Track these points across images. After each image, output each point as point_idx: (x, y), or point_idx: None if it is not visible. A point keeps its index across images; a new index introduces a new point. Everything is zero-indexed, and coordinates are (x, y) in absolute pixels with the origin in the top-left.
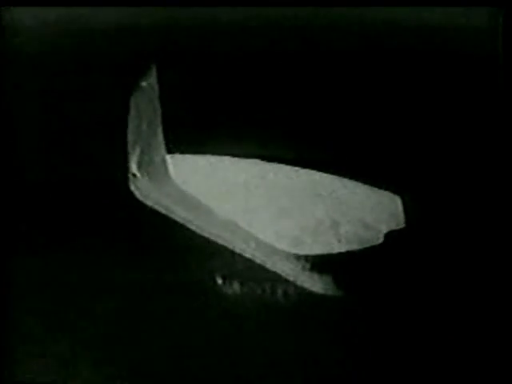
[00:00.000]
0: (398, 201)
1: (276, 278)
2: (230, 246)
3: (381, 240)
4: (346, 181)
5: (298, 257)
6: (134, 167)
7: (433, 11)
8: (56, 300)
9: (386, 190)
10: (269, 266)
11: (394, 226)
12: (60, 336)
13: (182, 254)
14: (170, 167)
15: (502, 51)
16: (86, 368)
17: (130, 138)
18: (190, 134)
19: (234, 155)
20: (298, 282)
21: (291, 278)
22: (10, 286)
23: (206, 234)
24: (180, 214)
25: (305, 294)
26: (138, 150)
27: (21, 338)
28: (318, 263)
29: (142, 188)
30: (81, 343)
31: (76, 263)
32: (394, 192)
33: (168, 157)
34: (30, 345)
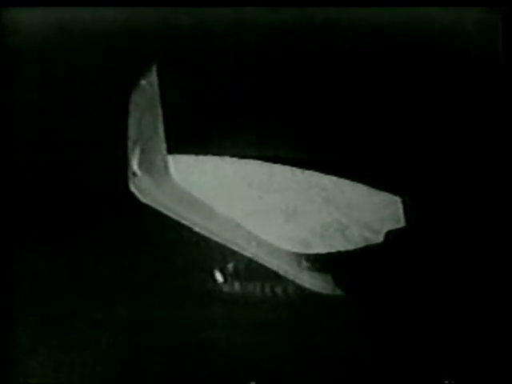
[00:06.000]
0: (398, 202)
1: (276, 278)
2: (231, 245)
3: (381, 240)
4: (349, 182)
5: (298, 256)
6: (134, 167)
7: (433, 11)
8: (54, 299)
9: (385, 191)
10: (269, 265)
11: (395, 227)
12: (58, 336)
13: (182, 253)
14: (171, 167)
15: (502, 51)
16: (85, 369)
17: (131, 137)
18: (191, 134)
19: (235, 156)
20: (298, 281)
21: (291, 277)
22: (8, 283)
23: (206, 234)
24: (180, 214)
25: (305, 294)
26: (138, 150)
27: (19, 337)
28: (318, 262)
29: (143, 187)
30: (78, 343)
31: (75, 262)
32: (394, 193)
33: (169, 157)
34: (28, 345)
